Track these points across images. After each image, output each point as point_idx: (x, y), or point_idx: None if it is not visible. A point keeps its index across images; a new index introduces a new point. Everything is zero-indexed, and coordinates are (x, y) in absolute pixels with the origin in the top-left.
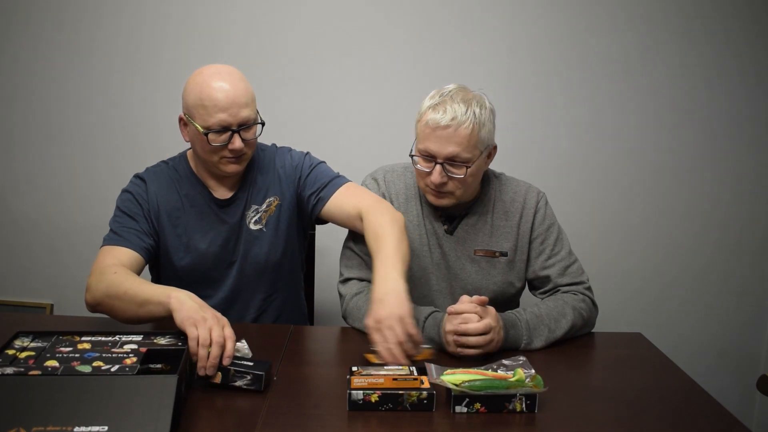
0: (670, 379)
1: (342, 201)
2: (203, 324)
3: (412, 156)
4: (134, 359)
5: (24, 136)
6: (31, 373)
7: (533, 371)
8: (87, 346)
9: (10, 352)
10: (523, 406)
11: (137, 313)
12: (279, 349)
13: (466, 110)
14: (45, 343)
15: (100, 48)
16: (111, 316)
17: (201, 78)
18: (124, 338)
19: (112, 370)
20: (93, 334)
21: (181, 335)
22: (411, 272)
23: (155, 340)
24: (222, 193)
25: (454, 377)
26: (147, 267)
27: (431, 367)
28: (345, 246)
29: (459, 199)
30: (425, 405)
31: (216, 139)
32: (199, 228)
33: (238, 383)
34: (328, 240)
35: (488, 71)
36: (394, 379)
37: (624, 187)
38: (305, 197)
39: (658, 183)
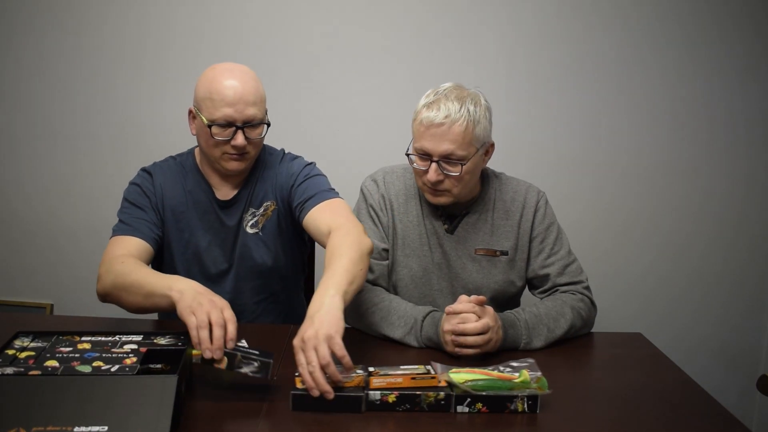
0: (669, 379)
1: (318, 216)
2: (200, 309)
3: (408, 155)
4: (134, 359)
5: (26, 136)
6: (31, 373)
7: (539, 373)
8: (87, 346)
9: (10, 352)
10: (525, 406)
11: (144, 304)
12: (279, 350)
13: (460, 108)
14: (45, 343)
15: (105, 48)
16: (120, 306)
17: (213, 73)
18: (124, 338)
19: (112, 370)
20: (93, 334)
21: (181, 335)
22: (412, 272)
23: (155, 340)
24: (224, 193)
25: (459, 376)
26: None
27: (437, 366)
28: None
29: (457, 197)
30: (443, 406)
31: (219, 133)
32: (200, 227)
33: (244, 370)
34: None
35: (487, 72)
36: (413, 378)
37: (623, 187)
38: (293, 206)
39: (657, 183)
